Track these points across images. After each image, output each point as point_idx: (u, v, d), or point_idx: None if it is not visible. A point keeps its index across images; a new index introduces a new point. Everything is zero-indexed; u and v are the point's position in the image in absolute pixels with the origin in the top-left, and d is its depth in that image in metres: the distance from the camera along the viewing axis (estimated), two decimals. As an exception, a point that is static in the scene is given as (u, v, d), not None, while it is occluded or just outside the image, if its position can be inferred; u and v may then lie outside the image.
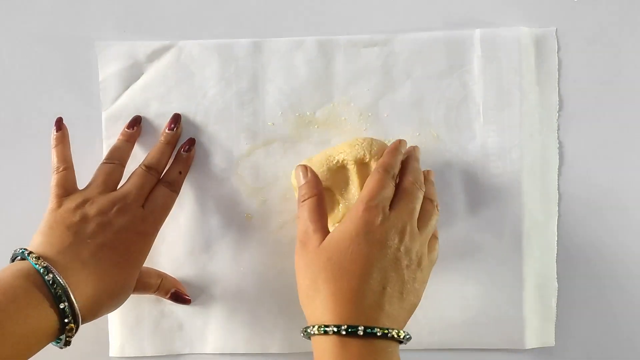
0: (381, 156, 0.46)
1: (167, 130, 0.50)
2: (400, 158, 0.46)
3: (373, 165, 0.46)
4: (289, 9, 0.52)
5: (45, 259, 0.41)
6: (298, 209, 0.45)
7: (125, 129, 0.50)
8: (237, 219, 0.52)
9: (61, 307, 0.40)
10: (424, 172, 0.48)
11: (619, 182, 0.52)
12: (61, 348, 0.42)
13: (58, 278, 0.40)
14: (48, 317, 0.40)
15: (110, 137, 0.51)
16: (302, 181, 0.45)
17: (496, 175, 0.51)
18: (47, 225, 0.44)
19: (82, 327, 0.42)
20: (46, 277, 0.40)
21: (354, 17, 0.52)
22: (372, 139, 0.47)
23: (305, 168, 0.46)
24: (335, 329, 0.39)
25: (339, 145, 0.48)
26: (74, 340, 0.42)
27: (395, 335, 0.40)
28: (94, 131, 0.52)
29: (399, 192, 0.44)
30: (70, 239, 0.43)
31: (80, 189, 0.47)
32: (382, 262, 0.41)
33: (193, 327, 0.52)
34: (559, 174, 0.52)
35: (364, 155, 0.46)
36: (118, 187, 0.48)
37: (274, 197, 0.52)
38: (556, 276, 0.52)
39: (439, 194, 0.51)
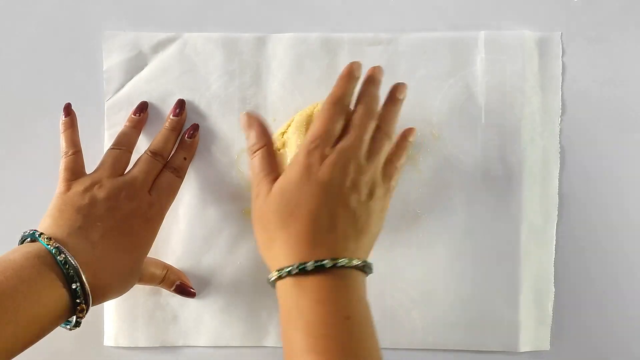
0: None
1: (171, 116, 0.51)
2: (353, 85, 0.44)
3: None
4: (294, 5, 0.52)
5: (55, 240, 0.41)
6: (249, 160, 0.45)
7: (132, 115, 0.51)
8: (235, 212, 0.52)
9: (73, 287, 0.40)
10: (404, 130, 0.47)
11: (620, 187, 0.52)
12: (70, 329, 0.42)
13: (70, 259, 0.40)
14: (60, 298, 0.40)
15: (113, 126, 0.52)
16: (249, 131, 0.45)
17: (496, 177, 0.51)
18: (56, 208, 0.44)
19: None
20: (58, 257, 0.40)
21: (359, 15, 0.52)
22: None
23: (250, 116, 0.45)
24: (288, 270, 0.39)
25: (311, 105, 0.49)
26: (68, 329, 0.42)
27: (347, 264, 0.39)
28: (98, 120, 0.52)
29: (348, 124, 0.43)
30: (80, 221, 0.43)
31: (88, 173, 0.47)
32: (328, 200, 0.40)
33: (187, 319, 0.52)
34: (560, 179, 0.52)
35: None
36: (125, 173, 0.48)
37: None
38: (553, 280, 0.52)
39: (438, 194, 0.51)
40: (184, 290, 0.51)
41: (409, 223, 0.51)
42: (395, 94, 0.46)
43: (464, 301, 0.51)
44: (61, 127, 0.49)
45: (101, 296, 0.43)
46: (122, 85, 0.52)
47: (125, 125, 0.50)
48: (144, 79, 0.52)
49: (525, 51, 0.51)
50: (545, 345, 0.52)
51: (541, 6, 0.52)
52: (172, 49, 0.52)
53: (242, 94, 0.52)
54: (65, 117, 0.49)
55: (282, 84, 0.52)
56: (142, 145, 0.51)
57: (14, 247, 0.42)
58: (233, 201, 0.52)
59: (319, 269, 0.39)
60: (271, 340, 0.52)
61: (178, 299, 0.52)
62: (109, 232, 0.44)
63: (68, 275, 0.40)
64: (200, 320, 0.52)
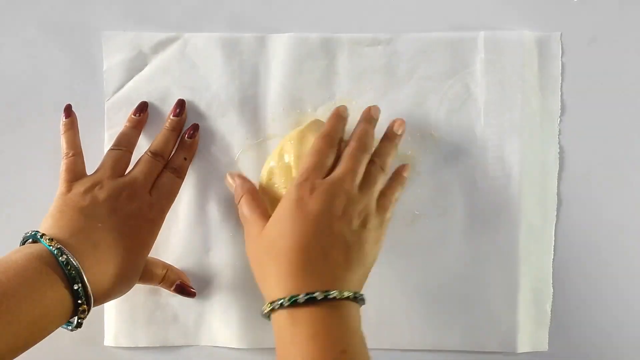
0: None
1: (171, 116, 0.51)
2: (343, 124, 0.47)
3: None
4: (294, 5, 0.52)
5: (57, 241, 0.41)
6: (238, 210, 0.47)
7: (132, 115, 0.51)
8: (234, 212, 0.52)
9: (75, 288, 0.40)
10: (399, 167, 0.48)
11: (619, 188, 0.52)
12: (72, 330, 0.42)
13: (71, 259, 0.40)
14: (62, 299, 0.40)
15: (113, 126, 0.52)
16: (233, 186, 0.49)
17: (495, 178, 0.51)
18: (57, 209, 0.44)
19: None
20: (60, 258, 0.40)
21: (358, 15, 0.52)
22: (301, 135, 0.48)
23: (230, 175, 0.49)
24: (280, 302, 0.39)
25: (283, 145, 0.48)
26: (69, 330, 0.42)
27: (339, 296, 0.39)
28: (98, 120, 0.52)
29: (341, 157, 0.45)
30: (81, 222, 0.43)
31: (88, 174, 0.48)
32: (318, 229, 0.41)
33: (188, 319, 0.52)
34: (559, 179, 0.52)
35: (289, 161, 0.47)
36: (125, 174, 0.48)
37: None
38: (552, 281, 0.52)
39: (436, 194, 0.51)
40: (184, 290, 0.51)
41: (407, 224, 0.51)
42: (392, 129, 0.48)
43: (463, 302, 0.51)
44: (62, 129, 0.49)
45: (103, 297, 0.43)
46: (122, 85, 0.52)
47: (125, 126, 0.51)
48: (144, 79, 0.52)
49: (525, 51, 0.51)
50: (544, 346, 0.52)
51: (541, 6, 0.52)
52: (172, 49, 0.52)
53: (242, 94, 0.52)
54: (65, 118, 0.49)
55: (281, 84, 0.52)
56: (143, 145, 0.51)
57: (15, 248, 0.42)
58: (233, 201, 0.52)
59: (311, 301, 0.39)
60: (271, 340, 0.51)
61: (178, 299, 0.52)
62: (110, 232, 0.44)
63: (70, 276, 0.40)
64: (200, 320, 0.52)
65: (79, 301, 0.40)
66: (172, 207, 0.49)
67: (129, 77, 0.52)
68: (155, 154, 0.49)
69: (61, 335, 0.43)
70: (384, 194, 0.46)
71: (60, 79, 0.53)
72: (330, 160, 0.44)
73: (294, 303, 0.39)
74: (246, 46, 0.52)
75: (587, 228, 0.52)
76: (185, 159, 0.50)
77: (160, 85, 0.52)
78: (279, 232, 0.42)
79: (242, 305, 0.52)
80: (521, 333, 0.51)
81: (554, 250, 0.52)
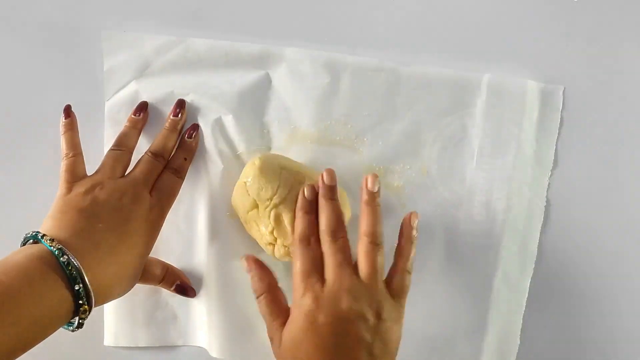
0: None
1: (171, 117, 0.50)
2: (311, 216, 0.45)
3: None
4: (300, 16, 0.52)
5: (58, 241, 0.41)
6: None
7: (132, 116, 0.50)
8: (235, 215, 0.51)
9: (76, 288, 0.40)
10: (405, 217, 0.46)
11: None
12: (73, 331, 0.42)
13: (72, 260, 0.40)
14: (63, 299, 0.40)
15: (113, 127, 0.51)
16: (249, 274, 0.46)
17: (478, 222, 0.51)
18: (57, 210, 0.44)
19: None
20: (61, 258, 0.40)
21: (365, 38, 0.52)
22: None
23: (248, 261, 0.46)
24: None
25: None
26: (70, 331, 0.42)
27: None
28: (98, 120, 0.52)
29: (325, 254, 0.44)
30: (82, 222, 0.43)
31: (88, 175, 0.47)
32: (336, 339, 0.41)
33: (187, 319, 0.52)
34: (541, 233, 0.51)
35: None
36: (126, 174, 0.48)
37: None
38: (519, 334, 0.51)
39: (418, 229, 0.50)
40: (184, 289, 0.50)
41: (385, 256, 0.51)
42: (368, 193, 0.45)
43: (429, 340, 0.51)
44: (61, 129, 0.48)
45: (104, 297, 0.43)
46: (122, 86, 0.52)
47: (125, 126, 0.50)
48: (144, 81, 0.52)
49: (527, 100, 0.51)
50: (504, 395, 0.51)
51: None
52: (174, 53, 0.51)
53: (241, 103, 0.51)
54: (65, 118, 0.49)
55: (280, 98, 0.51)
56: (143, 145, 0.50)
57: (16, 249, 0.41)
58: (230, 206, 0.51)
59: None
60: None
61: (178, 298, 0.51)
62: (111, 232, 0.44)
63: (71, 276, 0.40)
64: (200, 321, 0.51)
65: (80, 301, 0.40)
66: (172, 207, 0.49)
67: (129, 78, 0.52)
68: (155, 154, 0.49)
69: (61, 335, 0.42)
70: (394, 273, 0.45)
71: (60, 79, 0.52)
72: (318, 259, 0.44)
73: None
74: (249, 56, 0.51)
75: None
76: (185, 159, 0.50)
77: (161, 86, 0.51)
78: (300, 349, 0.41)
79: (241, 305, 0.50)
80: (482, 379, 0.51)
81: (526, 303, 0.51)
